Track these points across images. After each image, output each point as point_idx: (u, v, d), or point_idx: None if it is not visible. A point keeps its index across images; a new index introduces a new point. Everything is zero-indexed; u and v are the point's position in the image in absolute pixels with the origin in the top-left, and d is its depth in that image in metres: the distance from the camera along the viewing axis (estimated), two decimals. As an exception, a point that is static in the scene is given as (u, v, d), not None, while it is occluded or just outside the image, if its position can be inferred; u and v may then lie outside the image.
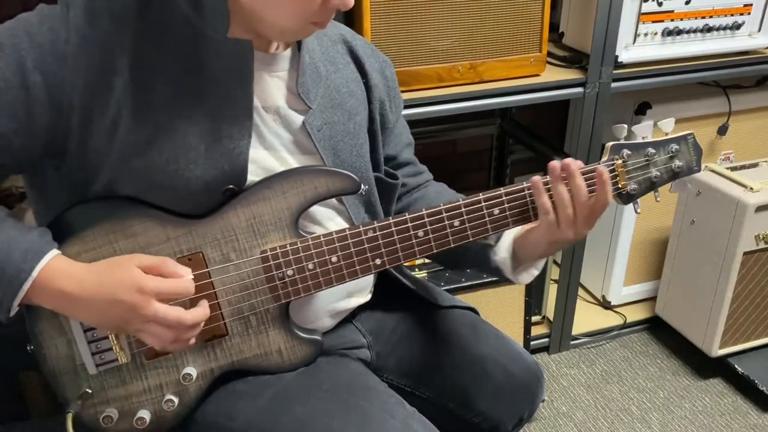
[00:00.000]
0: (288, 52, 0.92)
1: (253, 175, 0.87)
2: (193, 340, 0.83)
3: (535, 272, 1.00)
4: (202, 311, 0.82)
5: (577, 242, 1.88)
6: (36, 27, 0.77)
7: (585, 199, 0.89)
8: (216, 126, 0.84)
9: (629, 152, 0.95)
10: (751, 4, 1.73)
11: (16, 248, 0.77)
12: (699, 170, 1.00)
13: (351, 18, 1.43)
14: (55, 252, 0.80)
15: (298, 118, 0.92)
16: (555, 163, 0.90)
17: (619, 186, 0.96)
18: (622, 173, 0.96)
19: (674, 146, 0.97)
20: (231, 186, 0.86)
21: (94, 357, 0.85)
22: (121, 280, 0.77)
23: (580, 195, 0.89)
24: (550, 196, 0.90)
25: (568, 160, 0.90)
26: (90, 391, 0.86)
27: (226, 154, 0.84)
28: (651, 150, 0.96)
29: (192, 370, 0.88)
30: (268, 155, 0.90)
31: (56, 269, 0.79)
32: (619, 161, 0.95)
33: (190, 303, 0.83)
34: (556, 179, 0.89)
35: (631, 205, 0.98)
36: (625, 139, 0.97)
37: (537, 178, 0.90)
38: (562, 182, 0.89)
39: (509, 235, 0.99)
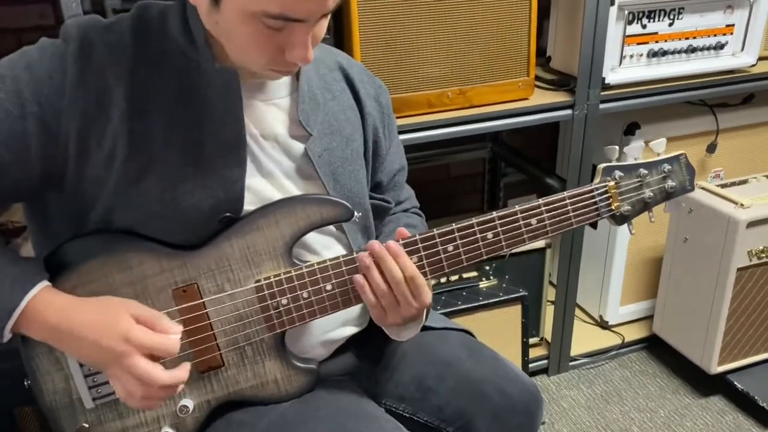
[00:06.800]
0: (285, 80, 0.93)
1: (250, 204, 0.88)
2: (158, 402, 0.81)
3: (416, 328, 0.95)
4: (180, 373, 0.80)
5: (573, 262, 1.89)
6: (36, 60, 0.79)
7: (400, 279, 0.84)
8: (211, 154, 0.85)
9: (621, 174, 0.96)
10: (734, 25, 1.77)
11: (7, 277, 0.78)
12: (692, 190, 1.00)
13: (341, 46, 1.45)
14: (44, 283, 0.80)
15: (298, 145, 0.93)
16: (363, 255, 0.86)
17: (612, 208, 0.96)
18: (615, 195, 0.96)
19: (666, 166, 0.98)
20: (228, 214, 0.87)
21: (91, 391, 0.85)
22: (110, 325, 0.77)
23: (393, 276, 0.84)
24: (372, 288, 0.86)
25: (373, 243, 0.85)
26: (87, 426, 0.86)
27: (221, 182, 0.85)
28: (643, 171, 0.97)
29: (189, 402, 0.88)
30: (265, 183, 0.91)
31: (46, 301, 0.79)
32: (612, 183, 0.96)
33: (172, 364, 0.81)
34: (366, 269, 0.85)
35: (625, 226, 0.99)
36: (616, 160, 0.97)
37: (358, 276, 0.86)
38: (376, 270, 0.85)
39: None
